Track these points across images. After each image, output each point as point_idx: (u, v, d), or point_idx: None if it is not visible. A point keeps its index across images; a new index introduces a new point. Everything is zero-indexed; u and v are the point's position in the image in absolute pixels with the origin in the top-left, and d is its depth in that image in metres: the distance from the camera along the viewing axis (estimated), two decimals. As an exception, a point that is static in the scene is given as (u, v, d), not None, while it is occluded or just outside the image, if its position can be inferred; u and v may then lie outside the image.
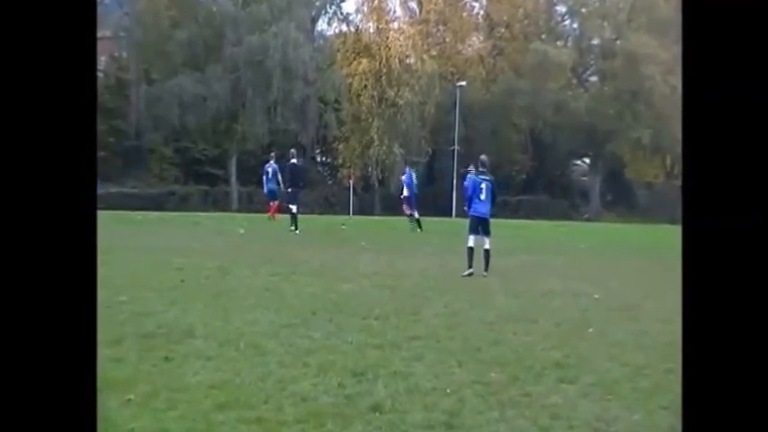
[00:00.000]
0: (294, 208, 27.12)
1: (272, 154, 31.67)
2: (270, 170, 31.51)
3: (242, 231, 26.03)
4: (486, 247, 16.57)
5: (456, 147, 48.70)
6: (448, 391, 7.34)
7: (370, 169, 53.45)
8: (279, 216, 30.13)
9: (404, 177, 31.96)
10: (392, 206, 46.31)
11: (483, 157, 17.83)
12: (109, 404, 6.39)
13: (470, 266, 16.25)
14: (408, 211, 30.97)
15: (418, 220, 30.12)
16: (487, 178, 16.99)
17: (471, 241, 16.66)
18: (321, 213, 43.13)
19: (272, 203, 31.47)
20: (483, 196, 16.76)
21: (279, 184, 30.18)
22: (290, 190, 27.44)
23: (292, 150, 28.59)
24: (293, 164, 27.70)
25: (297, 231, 26.15)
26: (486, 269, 16.30)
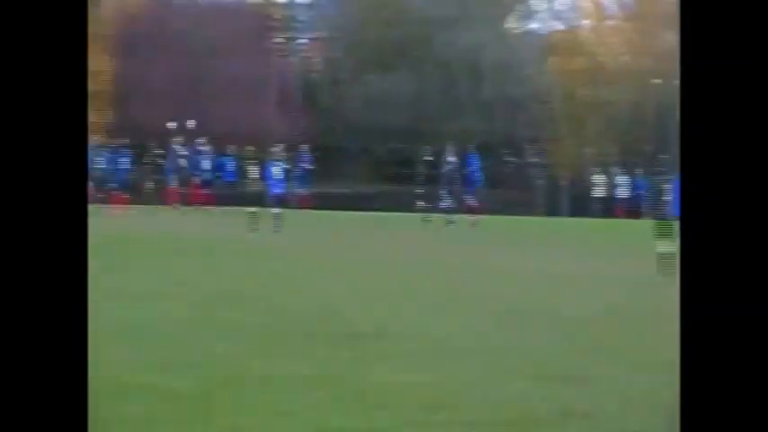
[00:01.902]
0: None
1: None
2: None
3: (447, 228, 25.99)
4: None
5: (675, 147, 46.83)
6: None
7: (582, 170, 52.45)
8: None
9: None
10: (608, 208, 45.30)
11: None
12: (308, 402, 6.38)
13: None
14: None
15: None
16: None
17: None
18: (530, 215, 42.64)
19: None
20: None
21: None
22: None
23: None
24: None
25: None
26: None
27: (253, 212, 23.57)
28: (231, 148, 35.31)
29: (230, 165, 34.82)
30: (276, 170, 24.48)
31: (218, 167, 34.83)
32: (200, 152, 34.52)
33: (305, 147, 36.44)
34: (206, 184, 34.47)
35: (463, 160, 30.15)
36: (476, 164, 31.34)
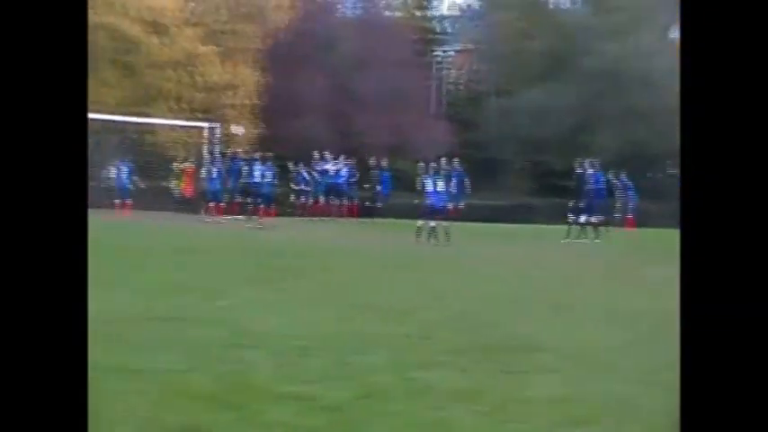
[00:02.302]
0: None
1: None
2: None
3: (587, 241, 25.71)
4: None
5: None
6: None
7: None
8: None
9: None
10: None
11: None
12: (455, 413, 6.52)
13: None
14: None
15: None
16: None
17: None
18: (669, 227, 41.73)
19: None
20: None
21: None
22: None
23: None
24: None
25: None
26: None
27: (427, 227, 23.99)
28: (383, 161, 35.44)
29: (383, 177, 34.87)
30: (431, 182, 24.62)
31: (367, 179, 35.00)
32: (345, 164, 34.78)
33: (454, 159, 36.74)
34: (353, 195, 34.64)
35: (611, 172, 29.76)
36: (622, 176, 30.87)
